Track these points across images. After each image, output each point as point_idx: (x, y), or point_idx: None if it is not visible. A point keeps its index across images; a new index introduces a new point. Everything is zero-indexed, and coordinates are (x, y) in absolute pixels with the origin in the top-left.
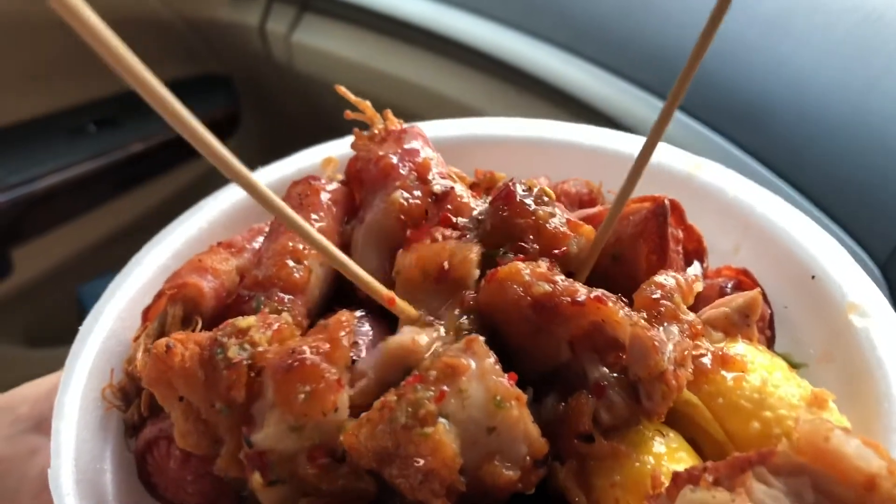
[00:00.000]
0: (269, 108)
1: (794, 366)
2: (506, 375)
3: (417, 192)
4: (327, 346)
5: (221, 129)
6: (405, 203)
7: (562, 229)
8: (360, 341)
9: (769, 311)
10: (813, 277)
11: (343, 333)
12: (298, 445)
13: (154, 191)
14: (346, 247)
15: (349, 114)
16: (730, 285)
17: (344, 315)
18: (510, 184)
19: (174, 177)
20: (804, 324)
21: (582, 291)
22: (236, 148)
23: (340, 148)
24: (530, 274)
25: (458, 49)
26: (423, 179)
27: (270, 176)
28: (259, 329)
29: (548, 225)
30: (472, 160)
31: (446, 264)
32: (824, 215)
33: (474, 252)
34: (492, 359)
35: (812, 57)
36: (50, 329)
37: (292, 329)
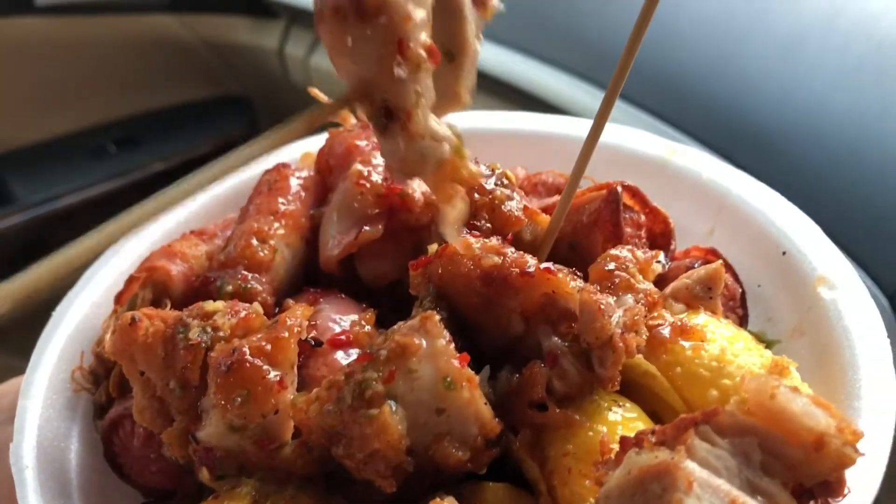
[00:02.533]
0: None
1: (768, 343)
2: (458, 356)
3: (379, 165)
4: (269, 346)
5: None
6: (364, 173)
7: (516, 213)
8: (327, 324)
9: (740, 290)
10: (784, 253)
11: (287, 333)
12: (241, 444)
13: None
14: (315, 230)
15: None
16: (697, 265)
17: (298, 309)
18: (473, 162)
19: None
20: (777, 301)
21: (531, 262)
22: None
23: (318, 143)
24: (480, 248)
25: None
26: None
27: (251, 170)
28: (225, 315)
29: (503, 206)
30: None
31: None
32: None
33: None
34: (444, 339)
35: (826, 82)
36: None
37: (261, 319)
